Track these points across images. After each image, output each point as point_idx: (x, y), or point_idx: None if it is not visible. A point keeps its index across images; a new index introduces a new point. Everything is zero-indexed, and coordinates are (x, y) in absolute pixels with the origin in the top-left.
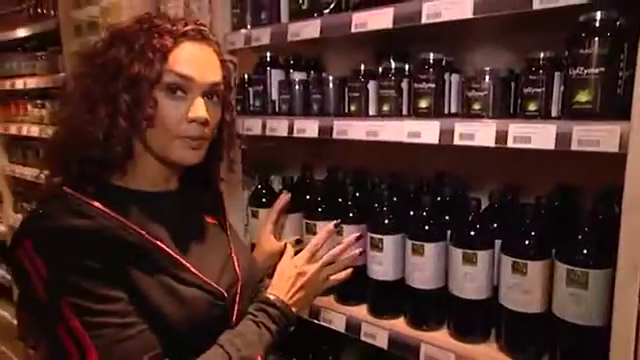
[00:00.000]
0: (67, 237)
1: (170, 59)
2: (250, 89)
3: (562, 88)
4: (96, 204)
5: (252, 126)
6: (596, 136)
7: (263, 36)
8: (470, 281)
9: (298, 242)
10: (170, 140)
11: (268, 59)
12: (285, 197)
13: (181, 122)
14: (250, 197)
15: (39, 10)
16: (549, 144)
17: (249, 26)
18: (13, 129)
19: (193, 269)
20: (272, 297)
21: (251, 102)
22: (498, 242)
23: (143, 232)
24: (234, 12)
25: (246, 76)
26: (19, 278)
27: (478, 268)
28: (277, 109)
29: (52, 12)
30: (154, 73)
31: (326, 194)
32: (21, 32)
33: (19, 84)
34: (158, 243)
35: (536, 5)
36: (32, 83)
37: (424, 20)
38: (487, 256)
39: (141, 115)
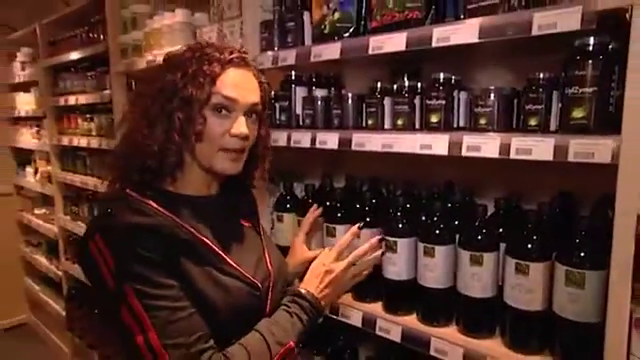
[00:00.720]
0: (130, 232)
1: (217, 83)
2: (276, 104)
3: (560, 105)
4: (153, 204)
5: (278, 138)
6: (591, 149)
7: (289, 57)
8: (477, 280)
9: None
10: (214, 152)
11: (293, 77)
12: (317, 211)
13: (224, 136)
14: (275, 203)
15: (90, 35)
16: (548, 155)
17: (276, 48)
18: (65, 140)
19: (233, 263)
20: (304, 291)
21: (277, 116)
22: (503, 245)
23: (192, 229)
24: (263, 36)
25: (273, 93)
26: (89, 267)
27: (484, 269)
28: (301, 123)
29: (102, 37)
30: (204, 95)
31: (345, 200)
32: (74, 55)
33: (71, 100)
34: (205, 239)
35: (535, 31)
36: (82, 99)
37: (434, 44)
38: (492, 258)
39: (192, 131)
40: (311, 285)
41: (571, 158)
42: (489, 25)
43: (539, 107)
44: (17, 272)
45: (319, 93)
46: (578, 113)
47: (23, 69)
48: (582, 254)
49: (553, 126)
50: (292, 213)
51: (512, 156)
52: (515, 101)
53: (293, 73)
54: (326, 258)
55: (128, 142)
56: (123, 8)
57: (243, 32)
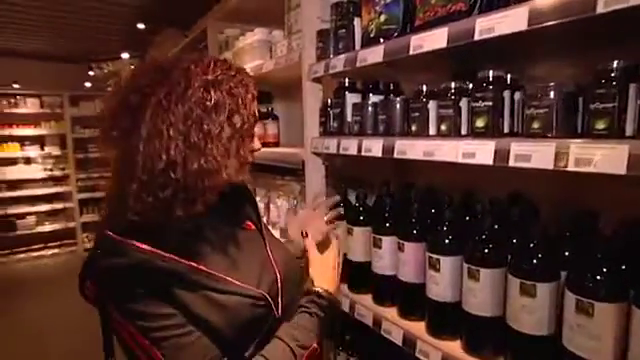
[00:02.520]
0: (113, 274)
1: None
2: (330, 111)
3: (639, 102)
4: (131, 242)
5: (329, 145)
6: None
7: (338, 64)
8: (528, 313)
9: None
10: (241, 167)
11: (346, 84)
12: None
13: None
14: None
15: None
16: (618, 168)
17: (331, 56)
18: None
19: (230, 278)
20: (320, 290)
21: (331, 123)
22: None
23: (177, 257)
24: (318, 45)
25: (328, 100)
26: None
27: (537, 301)
28: (350, 130)
29: None
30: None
31: (395, 211)
32: None
33: None
34: (192, 264)
35: (600, 8)
36: None
37: (477, 37)
38: (549, 290)
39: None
40: (329, 280)
41: None
42: (540, 8)
43: (609, 105)
44: None
45: (372, 99)
46: None
47: None
48: None
49: (630, 130)
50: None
51: (570, 167)
52: (579, 100)
53: (347, 80)
54: (337, 251)
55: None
56: (220, 33)
57: (303, 43)
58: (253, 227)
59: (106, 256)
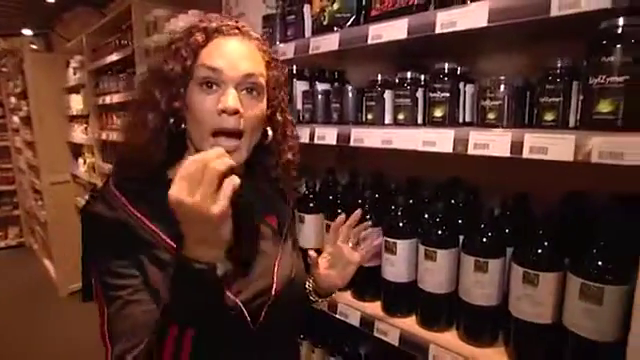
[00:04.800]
0: (96, 221)
1: (202, 54)
2: None
3: (581, 98)
4: (123, 199)
5: None
6: (620, 148)
7: (288, 50)
8: (480, 288)
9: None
10: (206, 137)
11: (294, 71)
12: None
13: (213, 115)
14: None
15: (122, 41)
16: (567, 156)
17: (277, 42)
18: (104, 135)
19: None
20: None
21: None
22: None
23: (158, 231)
24: (264, 30)
25: None
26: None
27: (489, 276)
28: (301, 118)
29: (130, 42)
30: (185, 69)
31: (347, 197)
32: (109, 59)
33: (108, 100)
34: (170, 242)
35: (554, 11)
36: (116, 98)
37: (438, 30)
38: (498, 264)
39: (173, 111)
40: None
41: (595, 159)
42: (500, 7)
43: (557, 100)
44: (77, 245)
45: (320, 87)
46: (604, 106)
47: (75, 74)
48: (600, 266)
49: (572, 122)
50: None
51: (525, 155)
52: (528, 93)
53: (294, 67)
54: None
55: (124, 133)
56: (147, 14)
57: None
58: (273, 224)
59: (98, 203)
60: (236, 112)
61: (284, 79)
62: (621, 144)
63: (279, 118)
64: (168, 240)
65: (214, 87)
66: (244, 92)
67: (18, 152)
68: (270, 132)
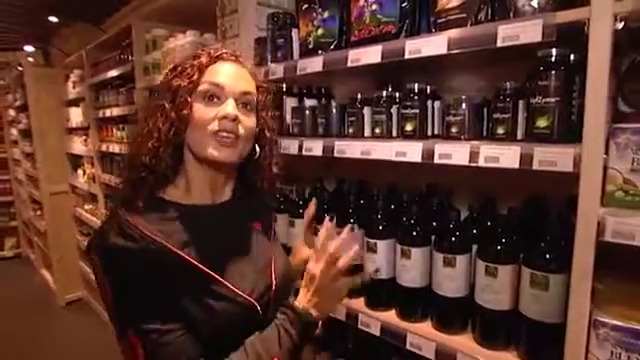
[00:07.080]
0: (118, 255)
1: (206, 73)
2: None
3: (525, 114)
4: (140, 227)
5: None
6: (553, 157)
7: (278, 70)
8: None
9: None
10: (206, 138)
11: (283, 89)
12: (312, 206)
13: (214, 120)
14: None
15: (122, 56)
16: (514, 163)
17: (269, 63)
18: (104, 147)
19: (226, 282)
20: (296, 303)
21: None
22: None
23: (179, 252)
24: (256, 52)
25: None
26: (94, 274)
27: (457, 270)
28: (290, 131)
29: (130, 57)
30: (191, 84)
31: (334, 202)
32: (110, 74)
33: (108, 113)
34: (192, 261)
35: (499, 43)
36: (116, 112)
37: (407, 55)
38: (465, 259)
39: (180, 118)
40: (301, 295)
41: (536, 166)
42: (457, 37)
43: (506, 116)
44: (74, 256)
45: (308, 103)
46: (542, 122)
47: (74, 87)
48: (546, 258)
49: (520, 134)
50: (284, 214)
51: (481, 164)
52: (485, 110)
53: (284, 85)
54: (311, 262)
55: (130, 147)
56: (147, 32)
57: (239, 49)
58: (260, 229)
59: (115, 235)
60: (235, 118)
61: (269, 102)
62: (554, 154)
63: (267, 134)
64: (192, 261)
65: (215, 100)
66: (240, 106)
67: (16, 164)
68: (257, 149)
